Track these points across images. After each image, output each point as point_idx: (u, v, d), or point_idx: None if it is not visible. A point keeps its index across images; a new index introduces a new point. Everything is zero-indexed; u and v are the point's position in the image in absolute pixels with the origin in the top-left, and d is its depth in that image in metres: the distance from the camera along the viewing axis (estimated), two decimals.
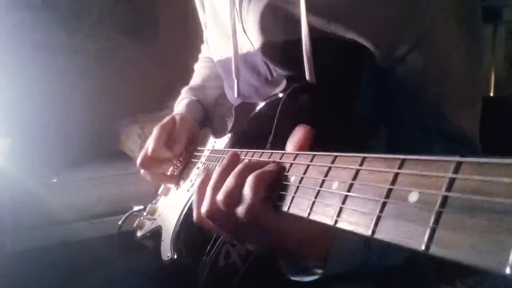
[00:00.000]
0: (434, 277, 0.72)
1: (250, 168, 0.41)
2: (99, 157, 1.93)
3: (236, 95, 0.69)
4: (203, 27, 0.85)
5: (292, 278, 0.50)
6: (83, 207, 1.61)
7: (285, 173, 0.38)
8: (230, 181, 0.40)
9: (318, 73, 0.56)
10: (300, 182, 0.36)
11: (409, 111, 0.57)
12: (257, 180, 0.38)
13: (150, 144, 0.73)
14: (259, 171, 0.39)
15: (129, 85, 2.10)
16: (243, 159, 0.47)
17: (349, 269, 0.51)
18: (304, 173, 0.36)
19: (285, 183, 0.38)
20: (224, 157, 0.56)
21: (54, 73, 1.95)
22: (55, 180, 1.67)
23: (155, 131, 0.74)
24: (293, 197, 0.36)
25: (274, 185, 0.39)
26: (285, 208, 0.36)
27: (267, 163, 0.41)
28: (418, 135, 0.56)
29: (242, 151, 0.50)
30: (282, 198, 0.38)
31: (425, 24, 0.51)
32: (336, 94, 0.57)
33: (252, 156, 0.47)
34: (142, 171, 0.76)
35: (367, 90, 0.58)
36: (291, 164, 0.38)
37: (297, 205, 0.35)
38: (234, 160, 0.44)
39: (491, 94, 1.94)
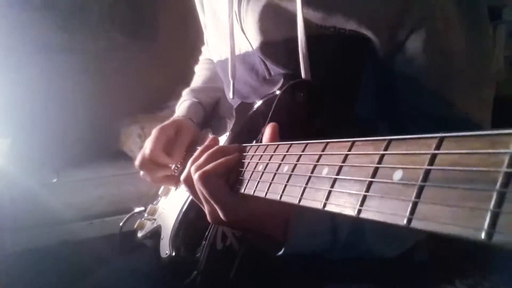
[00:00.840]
0: (434, 276, 0.72)
1: (221, 150, 0.50)
2: (99, 157, 1.93)
3: (231, 95, 0.69)
4: (203, 28, 0.85)
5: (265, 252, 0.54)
6: (83, 207, 1.61)
7: (279, 162, 0.41)
8: (203, 156, 0.50)
9: (316, 71, 0.56)
10: (293, 170, 0.37)
11: (412, 102, 0.56)
12: (221, 161, 0.48)
13: (147, 147, 0.73)
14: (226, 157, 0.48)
15: (129, 85, 2.10)
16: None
17: (315, 249, 0.54)
18: (297, 161, 0.37)
19: (279, 173, 0.40)
20: None
21: (54, 73, 1.95)
22: (55, 180, 1.67)
23: (155, 133, 0.74)
24: (285, 186, 0.38)
25: (233, 169, 0.48)
26: (276, 197, 0.39)
27: (235, 149, 0.50)
28: (422, 124, 0.55)
29: (234, 146, 0.51)
30: (241, 183, 0.45)
31: (425, 8, 0.50)
32: (334, 91, 0.57)
33: (248, 150, 0.48)
34: (141, 172, 0.76)
35: (369, 83, 0.58)
36: (284, 155, 0.40)
37: (289, 192, 0.36)
38: (212, 143, 0.54)
39: None
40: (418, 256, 0.66)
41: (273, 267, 0.61)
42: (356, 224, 0.53)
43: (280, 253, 0.52)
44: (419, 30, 0.51)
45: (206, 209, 0.51)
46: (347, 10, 0.53)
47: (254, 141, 0.57)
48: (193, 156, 0.52)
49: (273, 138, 0.48)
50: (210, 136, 0.74)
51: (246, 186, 0.44)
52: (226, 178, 0.48)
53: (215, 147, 0.51)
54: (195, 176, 0.48)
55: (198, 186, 0.48)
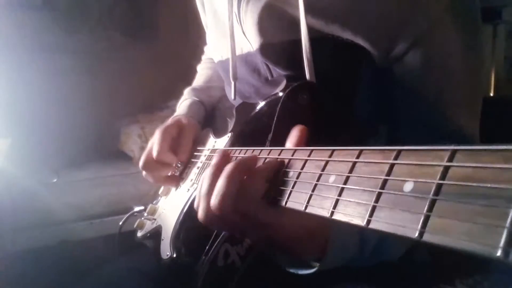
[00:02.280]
0: (434, 276, 0.72)
1: (241, 166, 0.40)
2: (99, 157, 1.93)
3: (233, 97, 0.69)
4: (204, 28, 0.85)
5: (288, 270, 0.51)
6: (83, 207, 1.61)
7: (284, 169, 0.39)
8: (221, 184, 0.40)
9: (317, 73, 0.56)
10: (298, 177, 0.36)
11: (408, 111, 0.57)
12: (257, 176, 0.39)
13: (154, 147, 0.72)
14: (259, 167, 0.40)
15: (129, 85, 2.10)
16: (237, 157, 0.48)
17: (344, 262, 0.52)
18: (302, 168, 0.36)
19: (285, 178, 0.38)
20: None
21: (54, 73, 1.95)
22: (55, 180, 1.67)
23: (159, 133, 0.74)
24: (290, 192, 0.36)
25: (273, 181, 0.39)
26: (282, 203, 0.37)
27: (256, 158, 0.42)
28: (418, 135, 0.56)
29: (241, 149, 0.50)
30: (280, 193, 0.38)
31: (422, 23, 0.51)
32: (335, 93, 0.57)
33: (252, 154, 0.47)
34: (144, 173, 0.76)
35: (367, 90, 0.58)
36: (289, 160, 0.39)
37: (294, 199, 0.35)
38: (224, 159, 0.43)
39: (491, 94, 1.94)
40: (418, 256, 0.66)
41: (273, 278, 0.61)
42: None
43: (310, 272, 0.48)
44: (418, 45, 0.52)
45: (246, 235, 0.45)
46: (345, 20, 0.53)
47: (268, 142, 0.56)
48: (206, 185, 0.42)
49: (300, 142, 0.43)
50: (211, 137, 0.74)
51: (283, 198, 0.39)
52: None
53: (232, 167, 0.41)
54: (239, 208, 0.39)
55: (237, 219, 0.40)
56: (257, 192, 0.38)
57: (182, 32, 2.01)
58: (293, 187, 0.36)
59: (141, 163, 0.75)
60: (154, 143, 0.73)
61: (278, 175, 0.39)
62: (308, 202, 0.33)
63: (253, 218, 0.39)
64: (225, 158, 0.44)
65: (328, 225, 0.47)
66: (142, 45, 2.18)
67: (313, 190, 0.33)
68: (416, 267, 0.66)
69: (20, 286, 1.28)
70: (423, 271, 0.68)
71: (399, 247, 0.56)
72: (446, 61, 0.53)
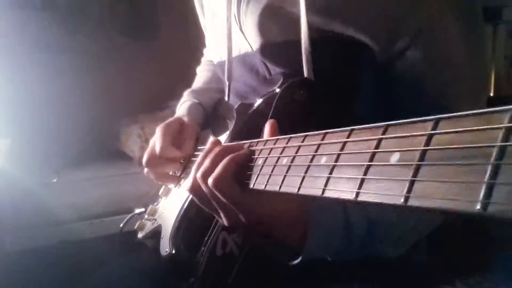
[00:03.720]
0: (434, 276, 0.72)
1: (226, 149, 0.47)
2: (99, 157, 1.93)
3: (226, 97, 0.69)
4: (203, 30, 0.85)
5: (279, 262, 0.52)
6: (83, 207, 1.61)
7: (279, 155, 0.41)
8: (207, 160, 0.47)
9: (317, 71, 0.56)
10: (292, 161, 0.37)
11: (410, 107, 0.56)
12: (230, 159, 0.45)
13: (157, 144, 0.72)
14: (233, 154, 0.45)
15: (129, 85, 2.10)
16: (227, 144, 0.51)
17: (332, 252, 0.53)
18: (296, 152, 0.37)
19: (277, 164, 0.40)
20: None
21: (54, 73, 1.95)
22: (55, 180, 1.67)
23: (160, 130, 0.74)
24: (284, 176, 0.38)
25: (243, 165, 0.45)
26: (276, 188, 0.38)
27: (241, 146, 0.48)
28: None
29: (238, 143, 0.50)
30: (249, 178, 0.43)
31: (423, 18, 0.51)
32: (335, 90, 0.57)
33: (248, 146, 0.48)
34: (146, 170, 0.76)
35: (367, 87, 0.58)
36: (284, 148, 0.40)
37: (288, 183, 0.37)
38: (213, 145, 0.50)
39: (491, 94, 1.94)
40: (418, 256, 0.66)
41: (272, 270, 0.61)
42: (369, 223, 0.52)
43: (298, 261, 0.50)
44: (419, 40, 0.51)
45: (223, 215, 0.48)
46: (345, 17, 0.53)
47: (262, 134, 0.56)
48: (197, 162, 0.49)
49: (272, 135, 0.47)
50: (212, 138, 0.74)
51: (251, 181, 0.43)
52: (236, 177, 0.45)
53: (218, 148, 0.48)
54: (210, 182, 0.44)
55: (212, 192, 0.45)
56: (225, 171, 0.44)
57: (182, 32, 2.01)
58: (287, 171, 0.37)
59: (144, 159, 0.74)
60: (156, 140, 0.73)
61: (248, 160, 0.45)
62: (301, 184, 0.34)
63: (231, 199, 0.44)
64: (215, 142, 0.51)
65: (307, 211, 0.49)
66: (142, 45, 2.18)
67: (305, 172, 0.34)
68: (416, 267, 0.66)
69: (20, 286, 1.28)
70: (423, 271, 0.68)
71: (393, 242, 0.56)
72: (448, 55, 0.53)
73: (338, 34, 0.54)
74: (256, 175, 0.42)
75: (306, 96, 0.56)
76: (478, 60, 0.55)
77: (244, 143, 0.49)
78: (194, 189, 0.49)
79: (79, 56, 2.01)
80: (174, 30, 2.17)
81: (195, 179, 0.48)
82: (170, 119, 0.78)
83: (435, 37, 0.52)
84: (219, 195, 0.45)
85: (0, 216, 1.46)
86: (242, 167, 0.45)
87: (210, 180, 0.44)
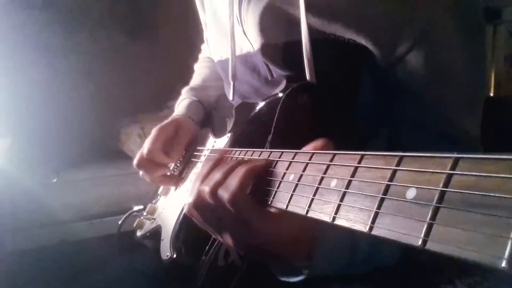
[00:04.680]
0: (434, 276, 0.72)
1: (238, 163, 0.43)
2: (99, 157, 1.93)
3: (231, 97, 0.69)
4: (203, 27, 0.85)
5: (281, 278, 0.51)
6: (83, 207, 1.61)
7: (284, 171, 0.39)
8: (217, 172, 0.42)
9: (318, 74, 0.56)
10: (299, 180, 0.36)
11: (410, 112, 0.56)
12: (246, 171, 0.40)
13: (145, 146, 0.73)
14: (249, 165, 0.41)
15: (129, 85, 2.10)
16: (242, 158, 0.48)
17: (335, 269, 0.51)
18: (303, 171, 0.36)
19: (277, 179, 0.38)
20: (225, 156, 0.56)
21: (54, 73, 1.95)
22: (55, 180, 1.67)
23: (154, 132, 0.74)
24: (291, 195, 0.36)
25: (262, 178, 0.40)
26: (282, 206, 0.36)
27: (257, 160, 0.43)
28: (419, 136, 0.56)
29: (241, 151, 0.50)
30: (270, 194, 0.39)
31: (424, 23, 0.51)
32: (336, 94, 0.57)
33: (252, 155, 0.47)
34: (140, 172, 0.76)
35: (368, 90, 0.58)
36: (290, 163, 0.38)
37: (295, 202, 0.35)
38: (223, 156, 0.47)
39: (491, 94, 1.94)
40: (418, 256, 0.65)
41: (273, 279, 0.61)
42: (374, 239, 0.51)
43: (301, 278, 0.48)
44: (420, 44, 0.51)
45: (229, 235, 0.43)
46: (347, 19, 0.53)
47: (267, 143, 0.56)
48: (201, 174, 0.44)
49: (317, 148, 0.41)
50: (211, 137, 0.74)
51: (270, 197, 0.39)
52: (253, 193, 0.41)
53: (236, 162, 0.43)
54: (225, 198, 0.40)
55: (225, 209, 0.40)
56: (243, 185, 0.39)
57: (182, 32, 2.01)
58: (294, 190, 0.36)
59: (135, 161, 0.75)
60: (147, 142, 0.73)
61: (264, 174, 0.41)
62: (309, 206, 0.33)
63: (237, 209, 0.40)
64: (225, 154, 0.48)
65: (313, 228, 0.46)
66: (142, 45, 2.17)
67: (314, 194, 0.33)
68: (416, 267, 0.66)
69: (20, 286, 1.28)
70: (423, 271, 0.68)
71: (394, 252, 0.55)
72: (448, 60, 0.53)
73: (339, 37, 0.54)
74: (290, 194, 0.37)
75: (309, 101, 0.56)
76: (479, 67, 0.55)
77: (252, 152, 0.47)
78: (197, 204, 0.44)
79: (79, 56, 2.01)
80: (174, 30, 2.17)
81: (199, 193, 0.43)
82: (167, 121, 0.77)
83: (436, 42, 0.51)
84: (234, 212, 0.40)
85: (0, 216, 1.46)
86: (261, 181, 0.41)
87: (225, 195, 0.39)
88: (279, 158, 0.41)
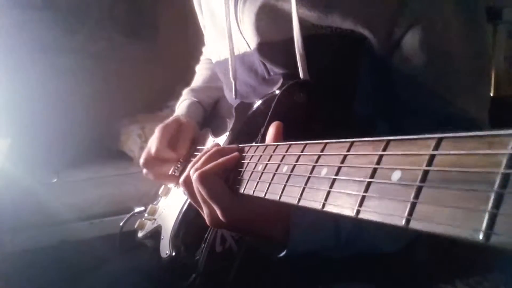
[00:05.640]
0: (434, 276, 0.72)
1: (221, 151, 0.50)
2: (99, 157, 1.93)
3: (233, 96, 0.69)
4: (202, 29, 0.85)
5: (265, 254, 0.54)
6: (83, 207, 1.61)
7: (279, 162, 0.40)
8: (202, 158, 0.50)
9: (314, 70, 0.56)
10: (292, 171, 0.37)
11: (410, 98, 0.56)
12: (221, 161, 0.47)
13: (153, 144, 0.73)
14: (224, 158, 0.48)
15: (129, 85, 2.10)
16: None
17: (317, 247, 0.53)
18: (296, 161, 0.37)
19: (277, 172, 0.39)
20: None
21: (54, 73, 1.95)
22: (55, 180, 1.67)
23: (158, 131, 0.75)
24: (269, 184, 0.39)
25: (231, 168, 0.47)
26: (276, 197, 0.38)
27: (234, 149, 0.49)
28: (421, 123, 0.55)
29: (231, 147, 0.51)
30: (240, 183, 0.45)
31: (421, 4, 0.50)
32: (332, 90, 0.57)
33: (248, 150, 0.48)
34: (144, 170, 0.77)
35: (365, 83, 0.58)
36: (284, 156, 0.39)
37: (288, 193, 0.36)
38: (212, 147, 0.53)
39: (491, 94, 1.94)
40: (418, 256, 0.66)
41: (272, 268, 0.61)
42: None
43: (283, 254, 0.51)
44: (415, 27, 0.51)
45: (204, 212, 0.50)
46: (343, 9, 0.53)
47: (254, 141, 0.57)
48: (194, 160, 0.51)
49: (277, 138, 0.47)
50: (210, 137, 0.74)
51: (245, 186, 0.44)
52: (225, 179, 0.47)
53: (214, 149, 0.50)
54: (194, 177, 0.47)
55: (196, 186, 0.47)
56: (212, 169, 0.47)
57: (182, 32, 2.01)
58: (287, 181, 0.37)
59: (141, 160, 0.76)
60: (153, 141, 0.74)
61: (236, 164, 0.47)
62: (301, 195, 0.34)
63: (212, 197, 0.46)
64: (215, 145, 0.53)
65: (288, 207, 0.48)
66: (142, 45, 2.18)
67: (306, 183, 0.34)
68: (416, 267, 0.66)
69: (20, 286, 1.28)
70: (423, 271, 0.68)
71: (388, 236, 0.56)
72: (445, 42, 0.52)
73: (336, 29, 0.54)
74: (246, 181, 0.44)
75: (305, 98, 0.56)
76: (478, 50, 0.54)
77: (243, 147, 0.49)
78: (186, 183, 0.51)
79: (79, 56, 2.01)
80: (174, 30, 2.18)
81: (188, 172, 0.51)
82: (169, 120, 0.78)
83: (433, 25, 0.51)
84: (202, 190, 0.46)
85: (0, 216, 1.46)
86: (232, 171, 0.47)
87: (196, 174, 0.47)
88: (273, 152, 0.42)
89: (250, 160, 0.45)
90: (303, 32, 0.54)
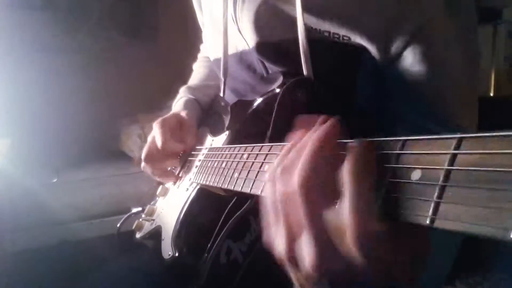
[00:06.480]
0: None
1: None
2: (99, 157, 1.93)
3: (221, 93, 0.69)
4: (201, 27, 0.85)
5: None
6: (83, 207, 1.61)
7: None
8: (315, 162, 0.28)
9: (314, 71, 0.56)
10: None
11: (407, 111, 0.56)
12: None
13: (158, 138, 0.71)
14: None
15: (129, 85, 2.10)
16: (242, 154, 0.47)
17: None
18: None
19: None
20: (222, 153, 0.56)
21: (54, 73, 1.95)
22: (55, 180, 1.67)
23: (157, 125, 0.73)
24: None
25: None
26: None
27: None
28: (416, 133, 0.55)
29: (241, 147, 0.49)
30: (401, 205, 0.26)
31: (419, 18, 0.51)
32: (333, 90, 0.57)
33: (252, 150, 0.46)
34: (143, 165, 0.76)
35: (365, 88, 0.58)
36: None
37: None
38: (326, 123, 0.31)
39: (491, 94, 1.94)
40: None
41: (275, 276, 0.61)
42: None
43: None
44: (416, 39, 0.51)
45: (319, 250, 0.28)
46: (342, 16, 0.53)
47: (266, 139, 0.55)
48: (282, 162, 0.31)
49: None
50: (209, 136, 0.74)
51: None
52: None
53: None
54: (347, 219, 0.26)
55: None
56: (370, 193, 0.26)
57: (182, 32, 2.01)
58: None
59: (143, 154, 0.74)
60: (155, 134, 0.73)
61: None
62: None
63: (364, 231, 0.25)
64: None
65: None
66: (142, 45, 2.18)
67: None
68: None
69: (20, 286, 1.28)
70: None
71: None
72: (443, 56, 0.53)
73: (334, 36, 0.54)
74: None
75: (307, 96, 0.56)
76: (475, 67, 0.55)
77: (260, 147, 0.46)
78: (288, 200, 0.29)
79: (79, 56, 2.01)
80: (173, 30, 2.18)
81: (287, 189, 0.29)
82: (167, 115, 0.77)
83: (432, 36, 0.51)
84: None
85: (0, 216, 1.46)
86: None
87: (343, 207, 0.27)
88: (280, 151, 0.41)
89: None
90: (306, 33, 0.55)
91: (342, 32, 0.53)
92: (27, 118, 1.88)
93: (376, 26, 0.52)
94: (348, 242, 0.25)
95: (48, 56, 1.95)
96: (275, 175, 0.30)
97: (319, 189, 0.27)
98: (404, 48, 0.52)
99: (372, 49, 0.53)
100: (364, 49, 0.53)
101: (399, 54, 0.53)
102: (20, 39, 1.90)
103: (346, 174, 0.26)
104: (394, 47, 0.52)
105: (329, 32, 0.54)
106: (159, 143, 0.71)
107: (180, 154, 0.75)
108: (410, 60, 0.52)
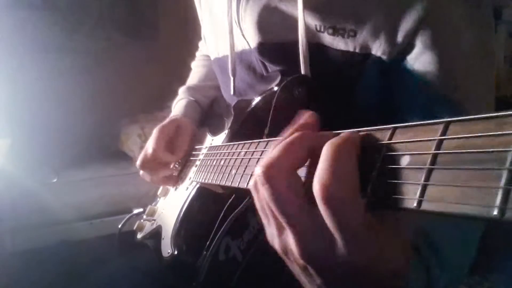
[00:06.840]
0: None
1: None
2: (99, 157, 1.93)
3: (232, 92, 0.69)
4: (200, 22, 0.85)
5: None
6: (83, 207, 1.61)
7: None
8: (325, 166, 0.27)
9: (314, 71, 0.56)
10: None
11: (415, 102, 0.55)
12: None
13: (150, 147, 0.73)
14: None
15: (129, 85, 2.10)
16: (239, 152, 0.47)
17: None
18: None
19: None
20: (221, 152, 0.56)
21: (54, 73, 1.95)
22: (55, 180, 1.67)
23: (155, 133, 0.74)
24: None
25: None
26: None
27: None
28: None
29: (239, 144, 0.49)
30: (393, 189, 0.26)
31: (426, 3, 0.49)
32: (333, 87, 0.57)
33: (249, 147, 0.46)
34: (141, 172, 0.76)
35: (368, 87, 0.57)
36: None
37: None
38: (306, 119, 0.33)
39: None
40: None
41: (274, 274, 0.61)
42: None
43: None
44: (424, 26, 0.50)
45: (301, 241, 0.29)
46: (345, 8, 0.53)
47: (264, 136, 0.56)
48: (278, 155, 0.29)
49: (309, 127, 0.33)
50: (208, 136, 0.74)
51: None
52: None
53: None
54: (322, 195, 0.25)
55: (325, 208, 0.26)
56: (349, 176, 0.26)
57: (182, 32, 2.01)
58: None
59: (138, 162, 0.75)
60: (150, 142, 0.74)
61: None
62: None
63: (345, 221, 0.26)
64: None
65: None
66: (142, 45, 2.18)
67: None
68: None
69: (20, 286, 1.28)
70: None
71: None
72: (455, 40, 0.51)
73: (339, 29, 0.53)
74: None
75: (305, 93, 0.56)
76: (487, 52, 0.53)
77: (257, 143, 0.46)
78: (259, 189, 0.30)
79: (79, 56, 2.01)
80: (173, 30, 2.18)
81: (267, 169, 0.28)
82: (166, 121, 0.78)
83: (441, 19, 0.49)
84: (330, 215, 0.26)
85: (0, 216, 1.46)
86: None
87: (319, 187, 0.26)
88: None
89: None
90: (307, 35, 0.54)
91: (348, 26, 0.52)
92: (27, 118, 1.88)
93: (382, 15, 0.51)
94: (329, 226, 0.26)
95: (48, 56, 1.95)
96: (256, 171, 0.30)
97: (283, 179, 0.28)
98: (412, 36, 0.50)
99: (379, 42, 0.52)
100: (367, 56, 0.52)
101: (408, 44, 0.51)
102: (20, 39, 1.90)
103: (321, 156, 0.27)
104: (402, 36, 0.50)
105: (335, 27, 0.54)
106: (149, 151, 0.72)
107: (175, 163, 0.76)
108: (420, 47, 0.50)
